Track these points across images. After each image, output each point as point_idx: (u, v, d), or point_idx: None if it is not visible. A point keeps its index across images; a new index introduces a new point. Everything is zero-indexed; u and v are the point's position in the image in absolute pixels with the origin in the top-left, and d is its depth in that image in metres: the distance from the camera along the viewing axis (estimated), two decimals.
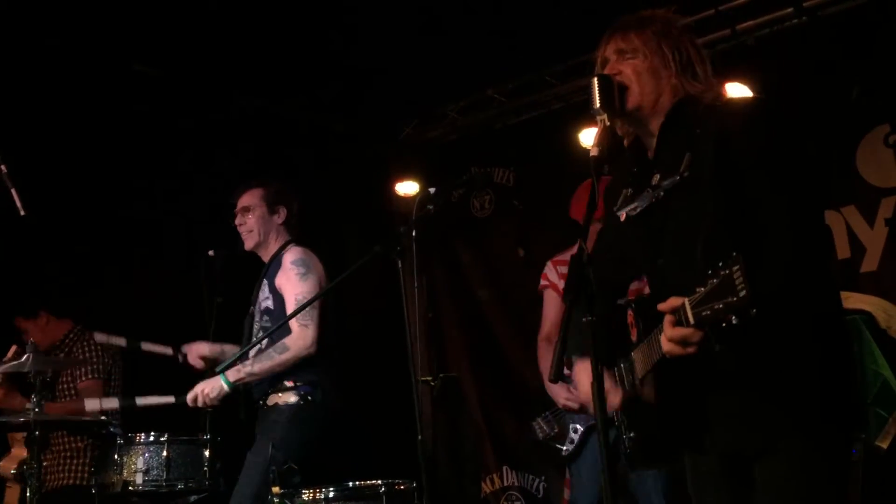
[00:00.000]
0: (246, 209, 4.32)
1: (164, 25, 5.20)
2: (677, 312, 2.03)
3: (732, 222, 2.12)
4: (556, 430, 4.44)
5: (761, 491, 2.20)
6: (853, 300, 4.99)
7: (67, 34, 5.09)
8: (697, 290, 1.94)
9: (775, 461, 2.16)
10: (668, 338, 2.08)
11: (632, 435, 2.41)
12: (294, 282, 4.06)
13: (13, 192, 3.55)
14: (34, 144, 5.06)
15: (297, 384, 4.00)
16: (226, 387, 3.94)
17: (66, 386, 5.05)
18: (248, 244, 4.33)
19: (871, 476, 4.33)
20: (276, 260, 4.23)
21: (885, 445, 4.47)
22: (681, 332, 2.04)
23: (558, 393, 4.34)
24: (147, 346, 4.39)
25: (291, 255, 4.16)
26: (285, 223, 4.33)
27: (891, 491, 4.40)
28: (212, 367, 4.20)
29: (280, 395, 4.01)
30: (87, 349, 5.09)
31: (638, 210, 2.35)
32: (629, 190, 2.42)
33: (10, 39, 4.91)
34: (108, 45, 5.24)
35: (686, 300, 1.99)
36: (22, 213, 3.53)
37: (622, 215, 2.41)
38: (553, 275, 4.64)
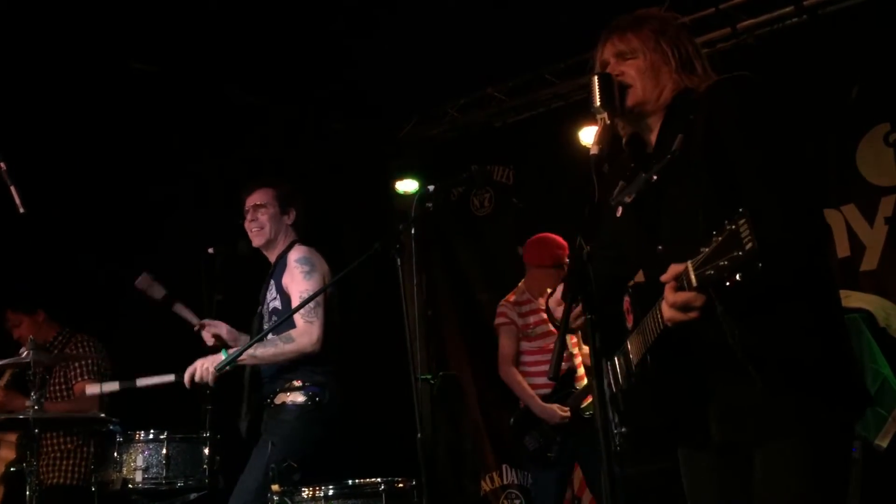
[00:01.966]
0: (258, 206, 4.29)
1: (162, 23, 5.20)
2: (680, 278, 1.98)
3: (727, 200, 2.08)
4: (541, 443, 5.04)
5: (761, 480, 2.17)
6: (853, 299, 4.99)
7: (65, 32, 5.08)
8: (701, 251, 1.89)
9: (776, 451, 2.14)
10: (670, 303, 2.02)
11: (623, 430, 2.36)
12: (299, 280, 4.06)
13: (12, 189, 3.54)
14: (33, 142, 5.05)
15: (306, 384, 3.99)
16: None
17: (58, 387, 5.02)
18: (258, 241, 4.31)
19: (871, 475, 4.33)
20: (282, 260, 4.22)
21: (884, 444, 4.47)
22: (683, 296, 1.98)
23: (553, 413, 4.97)
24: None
25: (296, 254, 4.17)
26: (294, 224, 4.33)
27: (890, 490, 4.40)
28: (221, 347, 4.13)
29: (288, 394, 4.00)
30: (80, 348, 5.06)
31: (633, 196, 2.33)
32: (625, 183, 2.41)
33: (9, 37, 4.91)
34: (106, 42, 5.24)
35: (689, 262, 1.94)
36: (21, 210, 3.52)
37: (618, 209, 2.39)
38: (512, 313, 5.29)
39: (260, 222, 4.28)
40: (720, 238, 1.85)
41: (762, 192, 2.08)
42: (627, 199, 2.35)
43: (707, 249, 1.88)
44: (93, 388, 4.43)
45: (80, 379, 4.98)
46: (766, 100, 2.22)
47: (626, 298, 2.37)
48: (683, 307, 2.01)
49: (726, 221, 1.84)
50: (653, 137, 2.38)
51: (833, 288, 2.27)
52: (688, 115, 2.26)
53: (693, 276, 1.92)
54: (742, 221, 1.81)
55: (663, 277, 2.04)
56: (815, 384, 2.12)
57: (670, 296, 2.02)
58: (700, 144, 2.18)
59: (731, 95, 2.23)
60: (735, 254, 1.81)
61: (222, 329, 4.25)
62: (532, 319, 5.24)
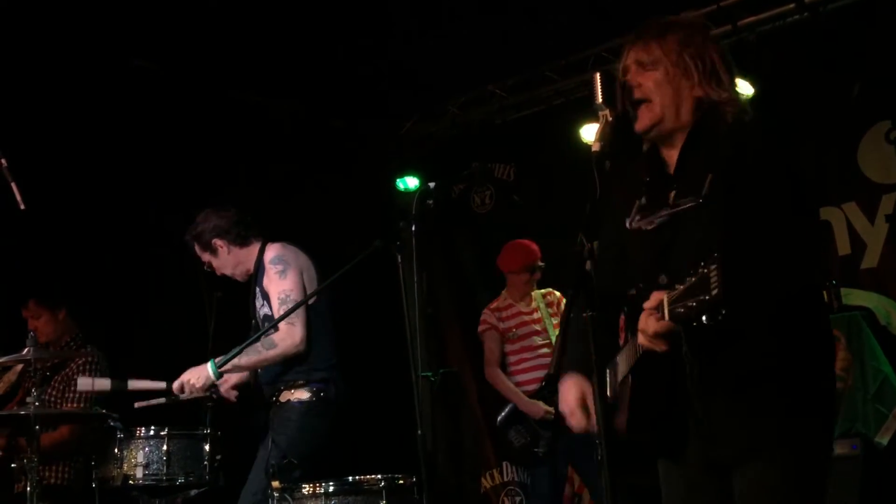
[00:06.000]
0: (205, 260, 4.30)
1: (163, 22, 5.20)
2: (660, 307, 2.02)
3: (738, 246, 2.07)
4: (528, 439, 5.20)
5: (742, 500, 2.18)
6: (853, 297, 5.00)
7: (66, 29, 5.08)
8: (677, 286, 1.94)
9: (756, 471, 2.15)
10: (641, 328, 2.08)
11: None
12: (275, 281, 4.04)
13: (13, 186, 3.54)
14: (34, 139, 5.05)
15: (310, 381, 4.00)
16: (212, 376, 3.91)
17: (56, 395, 4.92)
18: (237, 279, 4.32)
19: (871, 472, 4.33)
20: (259, 264, 4.21)
21: (884, 441, 4.48)
22: (653, 324, 2.04)
23: (538, 408, 5.15)
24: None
25: (269, 254, 4.15)
26: (232, 245, 4.21)
27: (890, 487, 4.40)
28: (245, 392, 4.17)
29: (293, 391, 4.01)
30: (81, 366, 4.90)
31: (654, 225, 2.30)
32: (643, 199, 2.35)
33: (10, 35, 4.90)
34: (108, 40, 5.24)
35: (665, 295, 1.99)
36: (22, 207, 3.52)
37: (633, 225, 2.35)
38: (492, 319, 5.51)
39: (217, 271, 4.29)
40: (693, 279, 1.90)
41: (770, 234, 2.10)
42: (648, 227, 2.31)
43: (682, 287, 1.93)
44: (85, 383, 4.38)
45: (73, 404, 4.78)
46: (795, 163, 2.22)
47: (622, 317, 2.39)
48: (652, 335, 2.06)
49: (701, 264, 1.89)
50: (674, 154, 2.33)
51: (825, 316, 2.31)
52: (716, 147, 2.23)
53: (666, 310, 1.98)
54: (713, 267, 1.86)
55: (646, 304, 2.08)
56: (797, 408, 2.14)
57: (642, 321, 2.09)
58: (722, 185, 2.17)
59: (762, 152, 2.20)
60: (702, 297, 1.87)
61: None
62: (513, 323, 5.44)
